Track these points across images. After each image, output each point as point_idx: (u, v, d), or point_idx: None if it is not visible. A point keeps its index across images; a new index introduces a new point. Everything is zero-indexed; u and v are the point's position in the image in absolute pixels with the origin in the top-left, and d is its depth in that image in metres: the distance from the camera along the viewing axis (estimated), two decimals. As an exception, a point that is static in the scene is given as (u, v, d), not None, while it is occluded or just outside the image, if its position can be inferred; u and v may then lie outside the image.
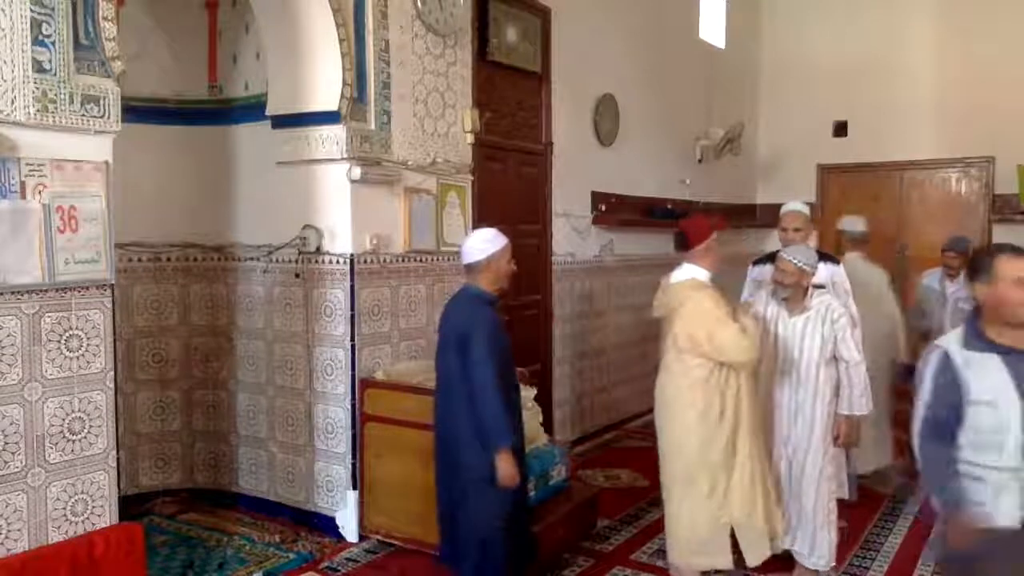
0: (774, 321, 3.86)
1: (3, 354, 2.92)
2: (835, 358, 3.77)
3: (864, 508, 4.81)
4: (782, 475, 3.83)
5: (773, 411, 3.86)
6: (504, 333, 3.28)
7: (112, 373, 3.24)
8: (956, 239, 5.37)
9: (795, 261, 3.68)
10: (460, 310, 3.24)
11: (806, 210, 4.46)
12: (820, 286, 4.04)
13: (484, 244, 3.27)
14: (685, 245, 3.61)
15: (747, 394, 3.55)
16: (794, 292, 3.74)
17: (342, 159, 4.27)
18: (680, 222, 3.81)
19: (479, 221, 5.13)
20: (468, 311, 3.20)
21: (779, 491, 3.75)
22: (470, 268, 3.30)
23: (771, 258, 4.17)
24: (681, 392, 3.54)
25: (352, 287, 4.31)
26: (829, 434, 3.78)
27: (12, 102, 2.88)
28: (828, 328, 3.73)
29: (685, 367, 3.52)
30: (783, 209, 4.46)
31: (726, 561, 3.59)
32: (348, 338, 4.33)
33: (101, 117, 3.12)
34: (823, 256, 4.23)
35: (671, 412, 3.60)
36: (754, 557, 3.61)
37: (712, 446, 3.49)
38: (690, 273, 3.59)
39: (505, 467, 3.13)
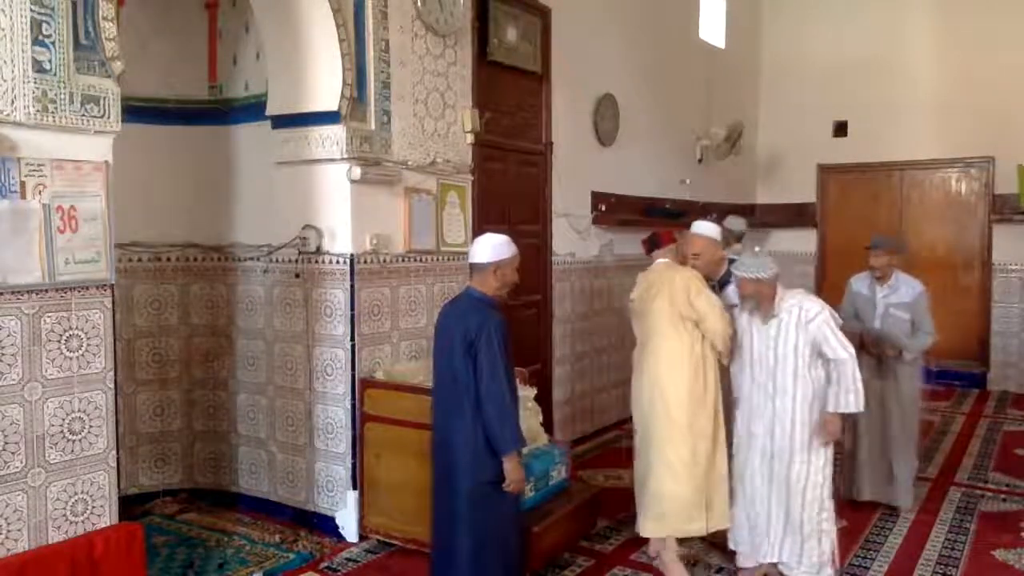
0: (748, 330, 3.78)
1: (3, 354, 2.92)
2: (821, 358, 3.64)
3: (864, 508, 4.81)
4: (758, 488, 3.74)
5: (751, 421, 3.78)
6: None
7: (112, 373, 3.24)
8: (877, 237, 4.92)
9: (745, 273, 3.63)
10: (467, 312, 3.20)
11: (711, 231, 4.31)
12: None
13: (495, 247, 3.24)
14: (658, 244, 4.10)
15: (718, 371, 3.92)
16: (759, 300, 3.67)
17: (342, 159, 4.27)
18: (653, 232, 4.27)
19: (479, 221, 5.14)
20: (477, 314, 3.15)
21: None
22: (476, 268, 3.27)
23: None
24: (673, 367, 3.82)
25: (352, 287, 4.31)
26: (815, 440, 3.64)
27: (12, 102, 2.88)
28: (803, 332, 3.61)
29: (673, 343, 3.82)
30: (690, 231, 4.39)
31: (701, 527, 3.87)
32: (348, 338, 4.33)
33: (101, 117, 3.12)
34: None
35: (664, 385, 3.82)
36: (723, 521, 3.89)
37: (701, 414, 3.81)
38: (663, 260, 4.05)
39: (514, 471, 3.14)
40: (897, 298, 4.75)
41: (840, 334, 3.62)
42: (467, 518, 3.18)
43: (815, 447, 3.65)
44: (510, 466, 3.13)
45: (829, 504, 3.71)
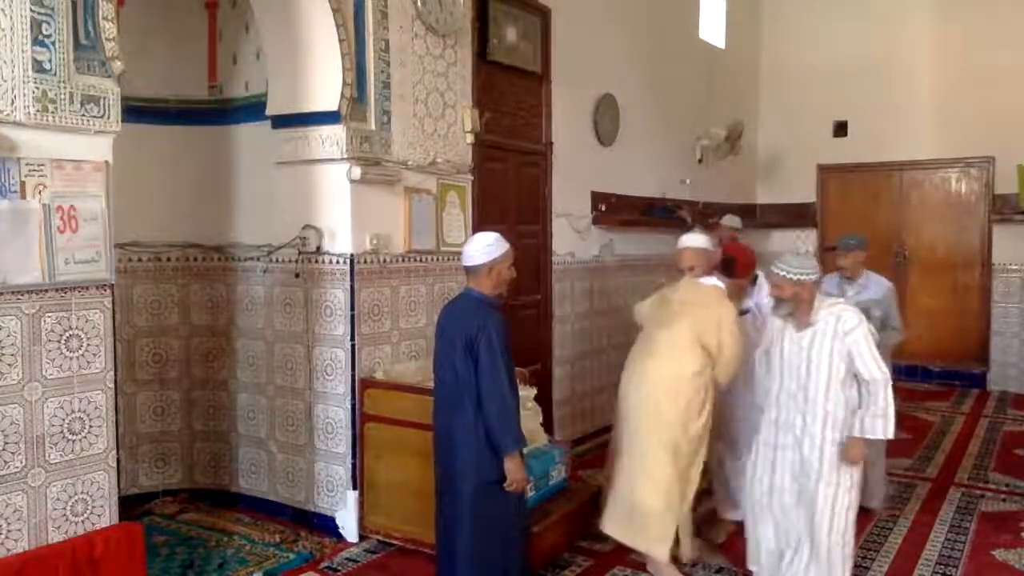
0: (780, 337, 3.50)
1: (3, 354, 2.92)
2: (855, 377, 3.35)
3: (864, 509, 4.79)
4: (788, 506, 3.46)
5: (777, 432, 3.50)
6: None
7: (112, 373, 3.24)
8: (841, 237, 4.90)
9: (788, 273, 3.33)
10: (467, 313, 3.20)
11: (701, 243, 4.15)
12: (743, 311, 4.09)
13: (486, 248, 3.22)
14: (731, 272, 4.03)
15: (715, 392, 3.94)
16: (796, 305, 3.37)
17: (342, 159, 4.27)
18: (731, 250, 4.19)
19: (479, 221, 5.14)
20: (477, 314, 3.15)
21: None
22: (471, 271, 3.27)
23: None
24: (678, 380, 3.78)
25: (352, 287, 4.31)
26: (841, 462, 3.36)
27: (12, 102, 2.88)
28: (839, 344, 3.32)
29: (684, 358, 3.78)
30: (679, 244, 4.29)
31: (664, 551, 3.83)
32: (348, 338, 4.33)
33: (101, 117, 3.12)
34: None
35: (662, 397, 3.79)
36: (689, 549, 3.96)
37: (688, 434, 3.79)
38: (716, 282, 3.98)
39: (515, 471, 3.14)
40: (867, 295, 4.71)
41: (876, 352, 3.36)
42: (469, 517, 3.18)
43: (843, 468, 3.38)
44: (512, 466, 3.12)
45: (854, 529, 3.45)
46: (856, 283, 4.79)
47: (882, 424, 3.31)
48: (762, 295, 4.42)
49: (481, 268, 3.22)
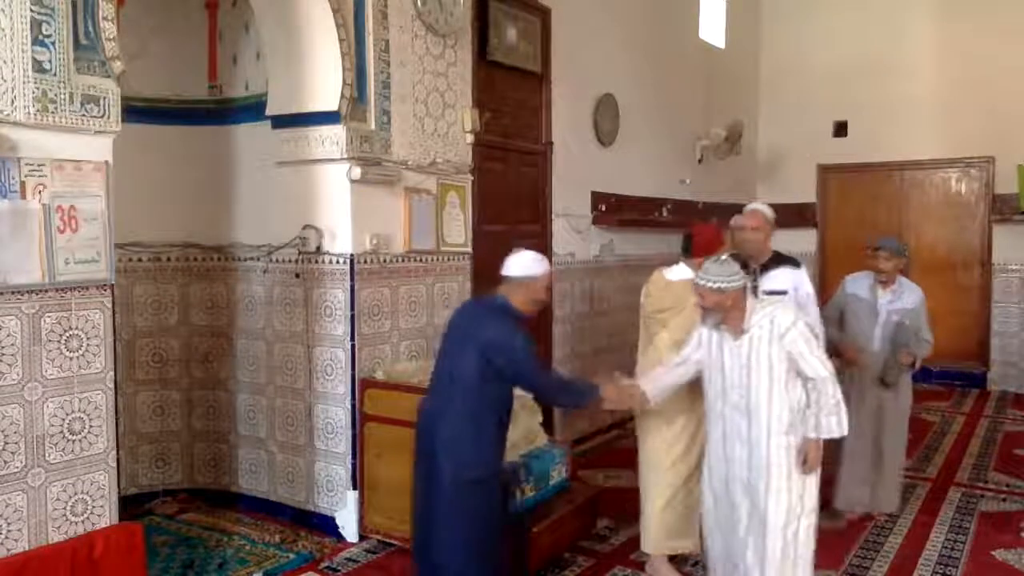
0: (719, 351, 3.31)
1: (3, 354, 2.92)
2: (799, 376, 3.18)
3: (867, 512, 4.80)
4: (743, 521, 3.27)
5: (725, 444, 3.33)
6: None
7: (112, 373, 3.24)
8: (886, 239, 4.65)
9: (707, 282, 3.15)
10: (488, 317, 3.23)
11: (768, 210, 4.22)
12: (782, 292, 4.02)
13: (528, 264, 3.30)
14: (689, 251, 3.87)
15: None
16: (725, 315, 3.20)
17: (342, 159, 4.27)
18: (693, 228, 4.00)
19: (479, 221, 5.15)
20: (501, 323, 3.19)
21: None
22: (507, 281, 3.32)
23: None
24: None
25: (352, 287, 4.32)
26: (795, 469, 3.17)
27: (12, 102, 2.88)
28: (776, 347, 3.15)
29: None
30: (746, 209, 4.34)
31: (695, 543, 3.84)
32: (348, 338, 4.33)
33: (101, 117, 3.12)
34: (784, 260, 4.22)
35: (664, 405, 3.77)
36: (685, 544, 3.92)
37: (697, 438, 3.77)
38: (688, 274, 3.80)
39: (605, 402, 3.53)
40: (901, 304, 4.50)
41: (818, 349, 3.21)
42: (454, 516, 3.14)
43: (795, 475, 3.19)
44: (600, 403, 3.52)
45: (810, 537, 3.23)
46: (890, 289, 4.54)
47: (836, 421, 3.15)
48: None
49: (516, 280, 3.29)
